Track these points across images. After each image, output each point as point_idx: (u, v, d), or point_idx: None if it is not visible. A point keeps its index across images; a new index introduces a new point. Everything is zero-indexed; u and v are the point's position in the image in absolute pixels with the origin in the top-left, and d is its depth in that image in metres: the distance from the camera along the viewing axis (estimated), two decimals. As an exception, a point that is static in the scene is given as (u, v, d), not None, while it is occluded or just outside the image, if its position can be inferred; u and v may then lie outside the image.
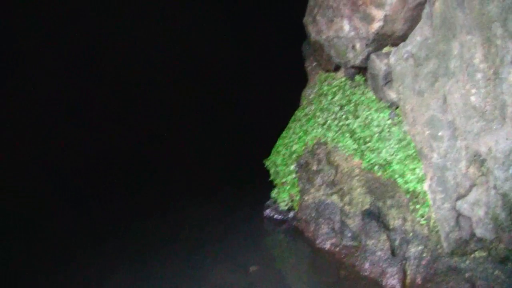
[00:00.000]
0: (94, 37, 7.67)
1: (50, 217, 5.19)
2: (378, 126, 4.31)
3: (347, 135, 4.56)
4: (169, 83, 8.11)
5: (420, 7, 3.83)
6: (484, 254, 3.46)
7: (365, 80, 4.58)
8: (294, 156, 5.10)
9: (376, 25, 4.13)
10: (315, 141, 4.90)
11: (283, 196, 5.12)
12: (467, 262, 3.53)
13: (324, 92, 5.03)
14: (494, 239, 3.37)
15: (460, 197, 3.51)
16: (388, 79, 4.15)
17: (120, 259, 4.38)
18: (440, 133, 3.61)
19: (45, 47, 7.30)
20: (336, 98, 4.84)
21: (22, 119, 6.83)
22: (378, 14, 4.09)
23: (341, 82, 4.87)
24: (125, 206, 5.40)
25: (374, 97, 4.43)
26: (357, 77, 4.67)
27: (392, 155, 4.12)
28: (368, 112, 4.43)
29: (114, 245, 4.64)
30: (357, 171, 4.40)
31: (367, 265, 4.02)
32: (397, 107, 4.19)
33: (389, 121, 4.24)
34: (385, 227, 4.04)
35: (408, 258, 3.83)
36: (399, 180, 4.01)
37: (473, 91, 3.31)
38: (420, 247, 3.80)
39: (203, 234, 4.84)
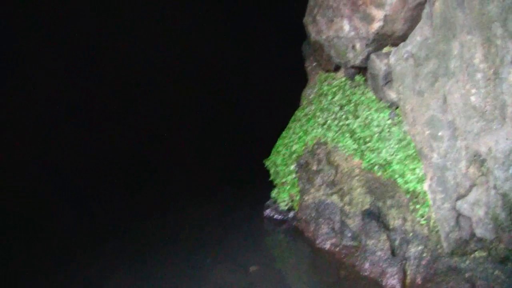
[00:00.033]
0: (94, 37, 7.67)
1: (50, 217, 5.20)
2: (378, 126, 4.31)
3: (347, 135, 4.56)
4: (169, 83, 8.10)
5: (420, 7, 3.83)
6: (484, 254, 3.46)
7: (365, 80, 4.58)
8: (294, 156, 5.10)
9: (376, 25, 4.14)
10: (315, 141, 4.90)
11: (283, 196, 5.12)
12: (467, 262, 3.53)
13: (324, 92, 5.03)
14: (494, 239, 3.37)
15: (460, 197, 3.51)
16: (388, 79, 4.14)
17: (120, 259, 4.38)
18: (440, 133, 3.61)
19: (45, 47, 7.29)
20: (336, 98, 4.85)
21: (22, 119, 6.82)
22: (378, 14, 4.09)
23: (341, 82, 4.87)
24: (125, 206, 5.41)
25: (374, 97, 4.43)
26: (357, 77, 4.67)
27: (392, 155, 4.11)
28: (368, 112, 4.43)
29: (114, 245, 4.65)
30: (357, 171, 4.40)
31: (367, 265, 4.02)
32: (397, 107, 4.19)
33: (389, 121, 4.24)
34: (385, 227, 4.04)
35: (408, 258, 3.83)
36: (399, 180, 4.01)
37: (473, 91, 3.31)
38: (420, 247, 3.80)
39: (203, 234, 4.84)
